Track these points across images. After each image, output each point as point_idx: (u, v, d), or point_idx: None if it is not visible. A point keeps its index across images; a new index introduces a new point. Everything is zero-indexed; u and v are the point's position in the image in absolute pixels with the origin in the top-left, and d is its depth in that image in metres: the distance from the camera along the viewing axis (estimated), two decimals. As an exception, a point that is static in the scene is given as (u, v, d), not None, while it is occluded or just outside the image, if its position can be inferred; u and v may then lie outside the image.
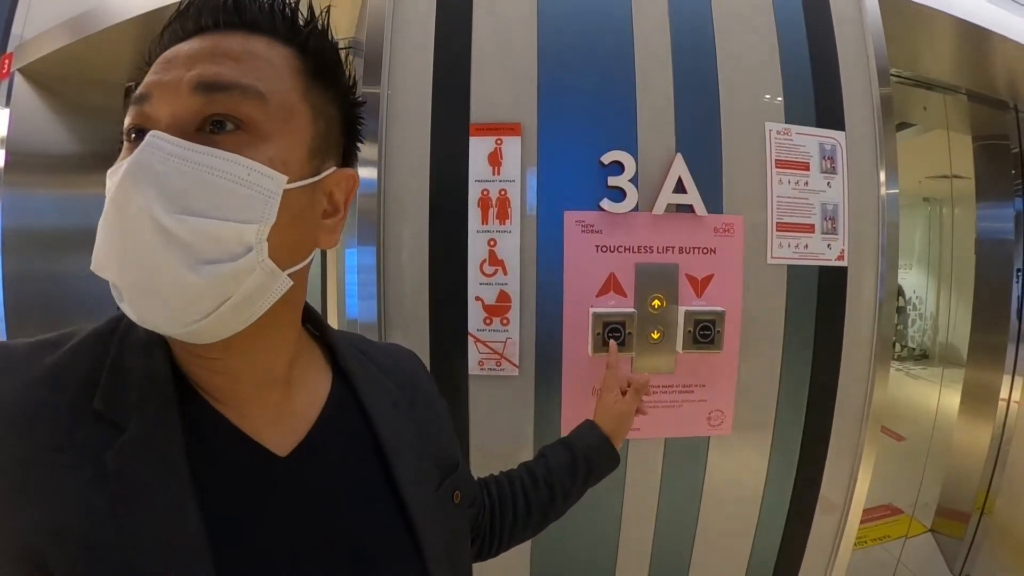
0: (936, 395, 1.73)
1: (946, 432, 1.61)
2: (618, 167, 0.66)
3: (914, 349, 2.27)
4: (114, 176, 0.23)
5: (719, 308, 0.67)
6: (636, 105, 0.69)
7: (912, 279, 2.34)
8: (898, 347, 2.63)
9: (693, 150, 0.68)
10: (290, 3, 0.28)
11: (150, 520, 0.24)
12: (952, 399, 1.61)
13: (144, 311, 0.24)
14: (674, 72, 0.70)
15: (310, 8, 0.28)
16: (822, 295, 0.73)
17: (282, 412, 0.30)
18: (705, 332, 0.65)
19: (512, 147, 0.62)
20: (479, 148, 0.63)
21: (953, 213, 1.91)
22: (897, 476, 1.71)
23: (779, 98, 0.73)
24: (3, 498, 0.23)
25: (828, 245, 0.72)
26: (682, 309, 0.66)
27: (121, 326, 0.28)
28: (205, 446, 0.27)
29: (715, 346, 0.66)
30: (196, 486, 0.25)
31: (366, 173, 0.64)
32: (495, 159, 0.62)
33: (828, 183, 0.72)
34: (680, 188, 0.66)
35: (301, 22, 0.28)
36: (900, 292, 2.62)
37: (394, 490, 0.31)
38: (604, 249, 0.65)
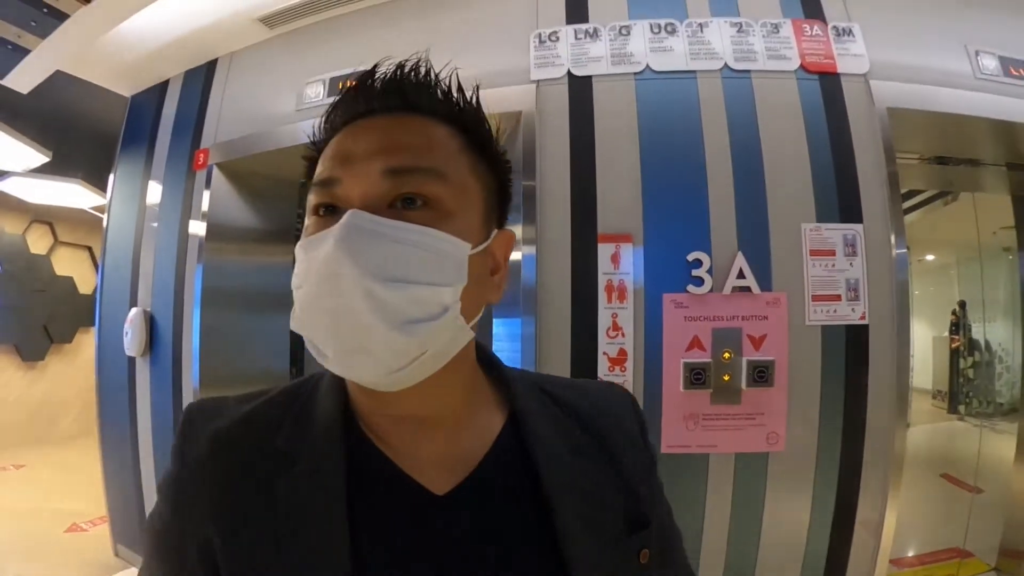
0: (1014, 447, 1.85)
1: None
2: (698, 262, 1.05)
3: (1001, 404, 2.17)
4: (316, 248, 0.28)
5: (771, 358, 1.03)
6: (709, 215, 1.08)
7: (999, 332, 2.27)
8: (981, 402, 2.51)
9: (749, 246, 1.06)
10: (448, 86, 0.32)
11: (305, 541, 0.29)
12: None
13: (350, 367, 0.30)
14: (735, 189, 1.08)
15: (459, 87, 0.33)
16: (849, 346, 1.07)
17: (446, 452, 0.33)
18: (761, 374, 1.01)
19: (626, 250, 1.02)
20: (604, 251, 1.02)
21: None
22: (973, 524, 1.87)
23: (811, 202, 1.09)
24: (200, 502, 0.31)
25: (852, 309, 1.07)
26: (744, 359, 1.03)
27: (310, 383, 0.36)
28: (364, 480, 0.31)
29: (768, 384, 1.01)
30: (351, 516, 0.29)
31: (525, 251, 1.04)
32: (615, 259, 1.02)
33: (850, 263, 1.08)
34: (741, 275, 1.04)
35: (458, 102, 0.32)
36: (978, 345, 2.52)
37: (555, 541, 0.32)
38: (690, 319, 1.03)
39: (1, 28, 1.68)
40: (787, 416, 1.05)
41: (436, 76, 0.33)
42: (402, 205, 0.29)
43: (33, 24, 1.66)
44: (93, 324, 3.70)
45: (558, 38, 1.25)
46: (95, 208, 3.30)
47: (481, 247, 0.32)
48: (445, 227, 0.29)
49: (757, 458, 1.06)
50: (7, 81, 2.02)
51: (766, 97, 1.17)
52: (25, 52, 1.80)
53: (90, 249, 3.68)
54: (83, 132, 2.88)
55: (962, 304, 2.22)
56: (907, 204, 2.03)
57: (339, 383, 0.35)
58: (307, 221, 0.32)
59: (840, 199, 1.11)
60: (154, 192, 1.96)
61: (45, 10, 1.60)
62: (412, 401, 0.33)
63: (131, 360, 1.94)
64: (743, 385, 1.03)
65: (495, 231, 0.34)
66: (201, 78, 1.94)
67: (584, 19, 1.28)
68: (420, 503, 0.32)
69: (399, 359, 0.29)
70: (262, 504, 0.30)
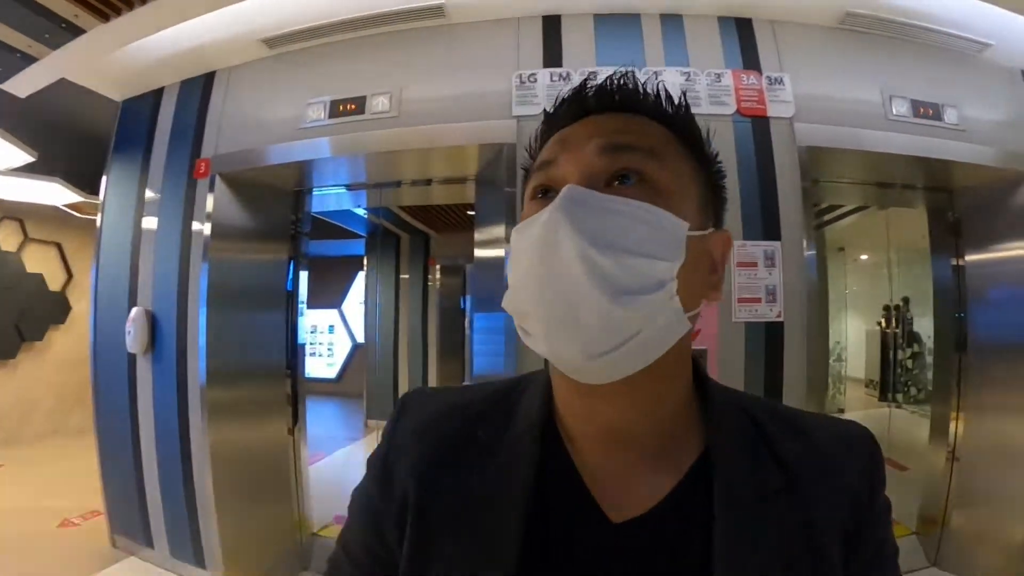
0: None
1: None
2: None
3: (927, 391, 2.50)
4: (531, 227, 0.31)
5: (704, 347, 1.35)
6: None
7: (929, 326, 2.48)
8: (919, 390, 2.83)
9: None
10: (662, 89, 0.36)
11: (482, 531, 0.33)
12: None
13: (560, 343, 0.30)
14: None
15: (668, 95, 0.36)
16: (767, 337, 1.41)
17: (635, 478, 0.34)
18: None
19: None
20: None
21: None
22: (898, 497, 2.30)
23: (739, 224, 1.43)
24: (401, 476, 0.37)
25: (770, 309, 1.41)
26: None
27: (522, 383, 0.40)
28: (550, 487, 0.34)
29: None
30: (529, 519, 0.32)
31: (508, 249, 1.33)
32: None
33: (769, 272, 1.42)
34: None
35: (669, 106, 0.35)
36: (916, 339, 2.89)
37: None
38: None
39: (13, 38, 1.85)
40: None
41: (645, 85, 0.36)
42: (619, 182, 0.32)
43: (47, 36, 1.84)
44: (63, 321, 3.81)
45: (536, 79, 1.55)
46: (69, 205, 3.41)
47: (699, 232, 0.33)
48: (662, 204, 0.31)
49: None
50: (7, 86, 2.19)
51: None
52: (32, 60, 1.98)
53: (59, 245, 3.79)
54: (63, 131, 3.01)
55: (905, 300, 2.62)
56: (842, 211, 2.42)
57: (547, 386, 0.37)
58: (524, 210, 0.35)
59: (763, 222, 1.46)
60: (152, 195, 2.16)
61: (63, 25, 1.79)
62: (616, 405, 0.33)
63: (131, 358, 2.14)
64: None
65: (711, 228, 0.35)
66: (199, 89, 2.16)
67: (559, 63, 1.59)
68: (592, 525, 0.33)
69: (611, 336, 0.30)
70: (454, 487, 0.35)
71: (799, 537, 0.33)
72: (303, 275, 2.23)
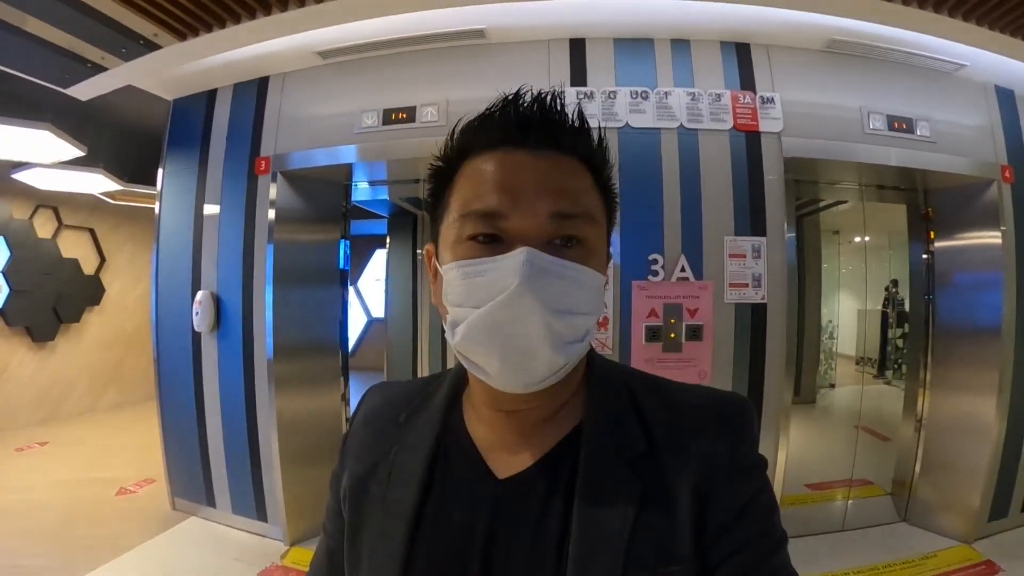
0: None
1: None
2: (655, 260, 1.81)
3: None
4: (487, 276, 0.38)
5: (701, 323, 1.79)
6: (663, 230, 1.83)
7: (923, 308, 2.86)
8: (906, 368, 3.26)
9: (689, 250, 1.82)
10: (582, 123, 0.42)
11: (392, 496, 0.45)
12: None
13: (509, 380, 0.40)
14: (681, 213, 1.84)
15: (585, 123, 0.42)
16: (753, 316, 1.85)
17: (523, 443, 0.44)
18: (695, 333, 1.77)
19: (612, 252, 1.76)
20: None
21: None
22: (878, 462, 2.78)
23: (731, 223, 1.85)
24: (350, 456, 0.51)
25: (756, 292, 1.84)
26: (684, 323, 1.78)
27: (446, 374, 0.51)
28: (450, 456, 0.46)
29: (700, 339, 1.77)
30: (429, 483, 0.44)
31: None
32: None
33: (755, 263, 1.85)
34: (683, 269, 1.79)
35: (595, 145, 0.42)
36: (907, 319, 3.28)
37: (564, 550, 0.39)
38: (649, 297, 1.81)
39: (88, 51, 2.20)
40: (712, 361, 1.82)
41: (572, 114, 0.41)
42: (561, 243, 0.39)
43: (123, 51, 2.20)
44: (98, 303, 4.20)
45: (564, 97, 1.95)
46: (105, 193, 3.78)
47: (606, 278, 0.42)
48: (591, 263, 0.39)
49: None
50: (72, 91, 2.55)
51: (707, 148, 1.93)
52: (101, 70, 2.34)
53: (92, 231, 4.16)
54: (105, 124, 3.37)
55: (894, 281, 3.03)
56: (830, 201, 2.83)
57: (462, 376, 0.49)
58: (452, 237, 0.41)
59: (752, 221, 1.88)
60: (214, 188, 2.54)
61: (142, 42, 2.15)
62: (527, 402, 0.43)
63: (196, 336, 2.53)
64: (683, 340, 1.80)
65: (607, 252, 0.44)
66: (254, 92, 2.55)
67: (584, 83, 1.99)
68: (481, 481, 0.43)
69: (549, 374, 0.39)
70: (380, 463, 0.47)
71: (654, 495, 0.40)
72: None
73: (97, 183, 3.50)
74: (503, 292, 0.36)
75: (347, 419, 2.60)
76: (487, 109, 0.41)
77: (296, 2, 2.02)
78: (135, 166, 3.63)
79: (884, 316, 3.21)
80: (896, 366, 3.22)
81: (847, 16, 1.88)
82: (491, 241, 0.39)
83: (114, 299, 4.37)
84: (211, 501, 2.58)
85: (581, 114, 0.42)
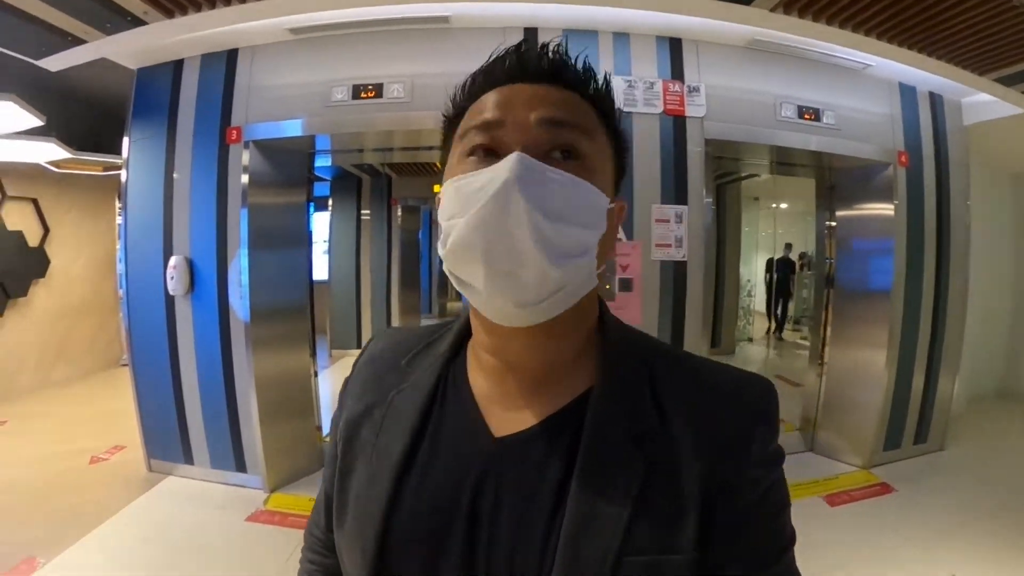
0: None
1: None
2: None
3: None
4: (478, 182, 0.38)
5: (631, 276, 2.27)
6: None
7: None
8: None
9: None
10: (589, 67, 0.45)
11: (384, 440, 0.47)
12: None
13: (495, 291, 0.39)
14: None
15: (592, 72, 0.45)
16: (676, 272, 2.35)
17: (525, 402, 0.45)
18: (626, 285, 2.25)
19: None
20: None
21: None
22: (790, 404, 3.42)
23: (658, 193, 2.32)
24: (349, 397, 0.54)
25: (678, 252, 2.34)
26: (617, 276, 2.25)
27: (454, 321, 0.53)
28: (446, 406, 0.47)
29: (630, 290, 2.25)
30: (422, 429, 0.46)
31: None
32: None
33: (678, 226, 2.34)
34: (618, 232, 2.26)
35: (594, 82, 0.44)
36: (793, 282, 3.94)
37: (556, 524, 0.39)
38: None
39: (71, 25, 2.37)
40: (641, 310, 2.30)
41: (575, 59, 0.44)
42: (560, 156, 0.40)
43: (108, 26, 2.39)
44: (43, 275, 4.28)
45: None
46: (51, 162, 3.88)
47: (612, 205, 0.44)
48: (592, 180, 0.41)
49: None
50: (43, 62, 2.71)
51: (639, 129, 2.40)
52: (81, 43, 2.53)
53: (35, 201, 4.23)
54: (57, 91, 3.48)
55: (787, 245, 3.66)
56: (750, 172, 3.39)
57: (465, 325, 0.51)
58: (454, 161, 0.44)
59: (676, 191, 2.37)
60: (183, 157, 2.78)
61: (129, 19, 2.35)
62: (522, 343, 0.44)
63: (170, 300, 2.80)
64: (617, 291, 2.27)
65: (617, 196, 0.46)
66: (223, 64, 2.80)
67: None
68: (476, 437, 0.45)
69: (541, 291, 0.39)
70: (376, 406, 0.50)
71: (660, 476, 0.40)
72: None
73: (48, 152, 3.61)
74: (491, 192, 0.37)
75: (315, 373, 2.95)
76: (492, 54, 0.45)
77: (275, -14, 2.29)
78: (85, 134, 3.75)
79: (782, 278, 3.78)
80: (797, 324, 3.84)
81: (766, 27, 2.35)
82: (488, 155, 0.41)
83: (59, 270, 4.46)
84: (188, 459, 2.88)
85: (587, 61, 0.45)
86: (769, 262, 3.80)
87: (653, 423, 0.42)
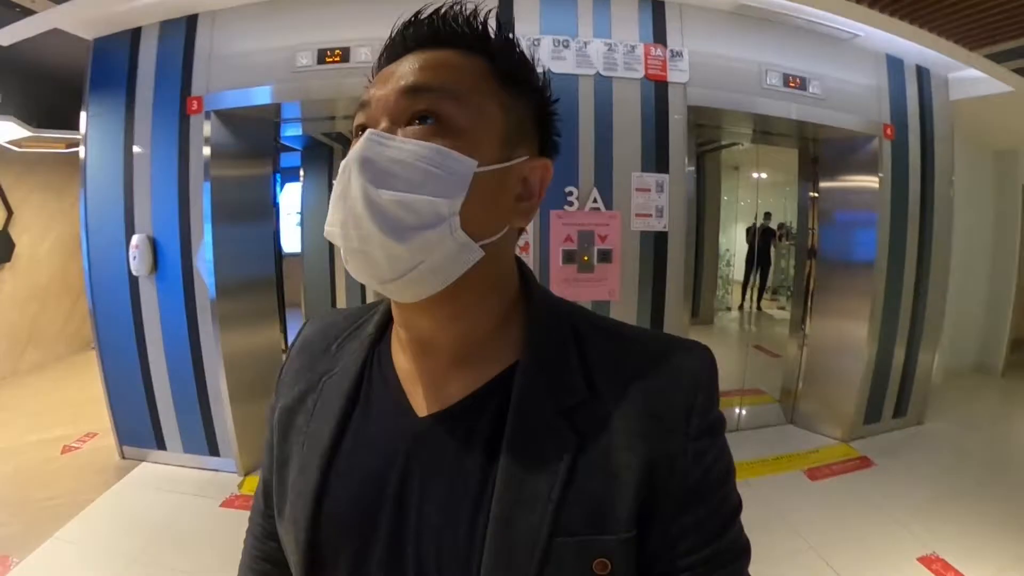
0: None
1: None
2: (571, 192, 2.24)
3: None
4: (342, 167, 0.38)
5: (610, 247, 2.22)
6: (579, 166, 2.23)
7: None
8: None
9: (601, 184, 2.23)
10: (480, 20, 0.42)
11: (315, 426, 0.47)
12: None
13: (356, 269, 0.40)
14: (595, 151, 2.26)
15: (498, 22, 0.43)
16: (656, 242, 2.30)
17: (445, 379, 0.44)
18: (605, 256, 2.20)
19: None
20: (519, 186, 2.14)
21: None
22: (770, 375, 3.44)
23: (639, 161, 2.26)
24: (283, 385, 0.53)
25: (659, 222, 2.29)
26: (596, 248, 2.21)
27: (383, 303, 0.52)
28: (372, 389, 0.47)
29: (610, 262, 2.20)
30: (349, 414, 0.46)
31: None
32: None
33: (659, 196, 2.28)
34: (595, 201, 2.21)
35: (491, 35, 0.43)
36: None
37: (484, 505, 0.38)
38: (566, 224, 2.23)
39: None
40: (620, 281, 2.27)
41: (464, 14, 0.43)
42: (418, 122, 0.39)
43: None
44: (8, 260, 4.15)
45: (467, 7, 2.29)
46: (12, 141, 3.74)
47: (492, 167, 0.40)
48: (453, 144, 0.38)
49: (603, 308, 2.28)
50: None
51: (620, 94, 2.33)
52: (29, 13, 2.40)
53: (-6, 183, 4.08)
54: (12, 67, 3.32)
55: (767, 214, 3.62)
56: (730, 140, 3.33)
57: (390, 304, 0.49)
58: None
59: (657, 160, 2.32)
60: (143, 130, 2.67)
61: None
62: (425, 318, 0.43)
63: (134, 280, 2.71)
64: (595, 262, 2.23)
65: (524, 157, 0.42)
66: (182, 30, 2.68)
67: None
68: (400, 417, 0.44)
69: (393, 267, 0.38)
70: (308, 394, 0.49)
71: (592, 452, 0.38)
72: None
73: (7, 131, 3.47)
74: (341, 173, 0.39)
75: (285, 349, 2.89)
76: (392, 30, 0.45)
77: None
78: (45, 110, 3.60)
79: (762, 247, 3.74)
80: (788, 291, 3.80)
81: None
82: (363, 131, 0.41)
83: (25, 253, 4.33)
84: (160, 444, 2.82)
85: (475, 11, 0.43)
86: (749, 230, 3.78)
87: (583, 395, 0.40)
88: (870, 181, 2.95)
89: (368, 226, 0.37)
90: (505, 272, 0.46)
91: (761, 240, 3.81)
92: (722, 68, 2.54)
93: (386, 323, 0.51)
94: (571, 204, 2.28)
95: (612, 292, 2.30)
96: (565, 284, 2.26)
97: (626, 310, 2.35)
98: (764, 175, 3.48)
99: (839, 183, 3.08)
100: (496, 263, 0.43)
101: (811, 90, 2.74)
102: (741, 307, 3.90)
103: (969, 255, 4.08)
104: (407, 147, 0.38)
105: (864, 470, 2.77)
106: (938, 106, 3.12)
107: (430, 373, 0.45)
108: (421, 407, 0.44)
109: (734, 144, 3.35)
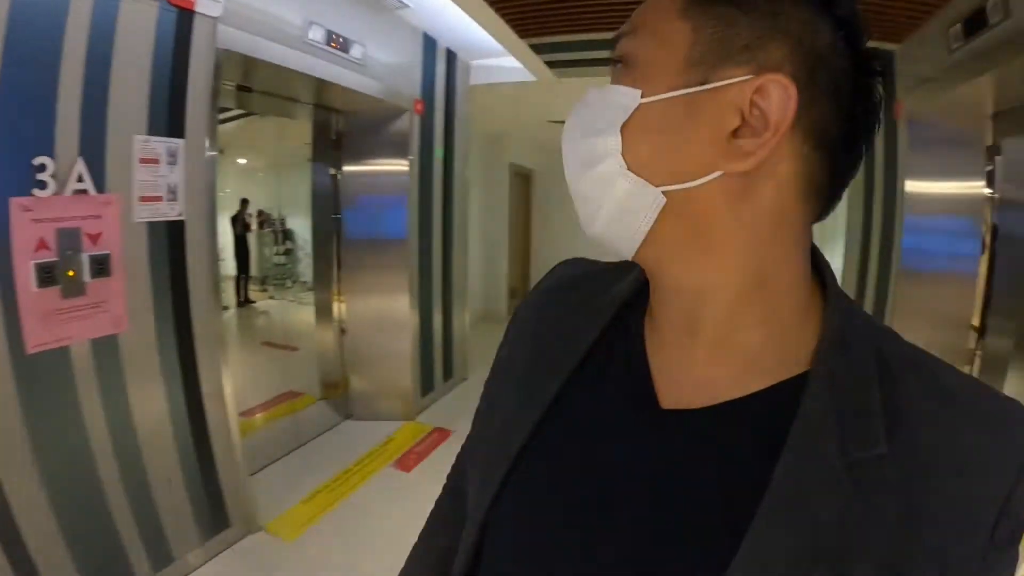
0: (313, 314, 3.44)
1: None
2: (43, 167, 1.39)
3: (306, 282, 3.63)
4: None
5: (107, 252, 1.56)
6: (55, 122, 1.41)
7: (299, 226, 3.67)
8: (290, 282, 3.88)
9: (90, 153, 1.50)
10: None
11: (534, 383, 0.43)
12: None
13: (580, 214, 0.40)
14: (82, 100, 1.47)
15: None
16: (170, 238, 1.79)
17: (700, 373, 0.37)
18: (100, 267, 1.53)
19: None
20: None
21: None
22: (297, 373, 3.29)
23: (145, 118, 1.60)
24: (515, 324, 0.51)
25: (171, 208, 1.77)
26: (85, 254, 1.49)
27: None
28: (612, 354, 0.42)
29: (108, 275, 1.55)
30: (577, 378, 0.42)
31: None
32: None
33: (171, 170, 1.76)
34: (80, 179, 1.48)
35: None
36: (291, 236, 3.82)
37: (735, 537, 0.31)
38: (36, 221, 1.39)
39: None
40: (126, 300, 1.65)
41: None
42: (619, 69, 0.39)
43: None
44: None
45: None
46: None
47: (664, 95, 0.34)
48: (627, 80, 0.36)
49: (110, 344, 1.61)
50: None
51: (127, 18, 1.57)
52: None
53: None
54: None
55: (244, 201, 3.55)
56: (228, 115, 3.00)
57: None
58: None
59: (170, 118, 1.74)
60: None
61: None
62: (679, 299, 0.38)
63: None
64: (87, 278, 1.52)
65: (741, 77, 0.33)
66: None
67: None
68: (638, 404, 0.38)
69: (587, 208, 0.38)
70: (539, 341, 0.46)
71: (881, 526, 0.30)
72: None
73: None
74: None
75: None
76: None
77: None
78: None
79: (240, 238, 3.68)
80: (280, 281, 3.90)
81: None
82: None
83: None
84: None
85: None
86: (233, 220, 3.65)
87: (880, 450, 0.31)
88: (400, 164, 3.18)
89: (569, 170, 0.39)
90: (782, 259, 0.36)
91: (243, 230, 3.70)
92: (264, 11, 2.09)
93: (644, 287, 0.43)
94: (44, 185, 1.39)
95: (118, 321, 1.59)
96: (47, 321, 1.40)
97: (141, 340, 1.69)
98: (241, 160, 3.27)
99: (365, 165, 3.20)
100: (708, 221, 0.35)
101: (352, 53, 2.68)
102: (240, 304, 3.74)
103: (468, 219, 5.08)
104: (586, 97, 0.39)
105: (445, 442, 2.88)
106: (461, 88, 3.66)
107: (687, 364, 0.38)
108: (667, 398, 0.38)
109: (242, 116, 2.95)
